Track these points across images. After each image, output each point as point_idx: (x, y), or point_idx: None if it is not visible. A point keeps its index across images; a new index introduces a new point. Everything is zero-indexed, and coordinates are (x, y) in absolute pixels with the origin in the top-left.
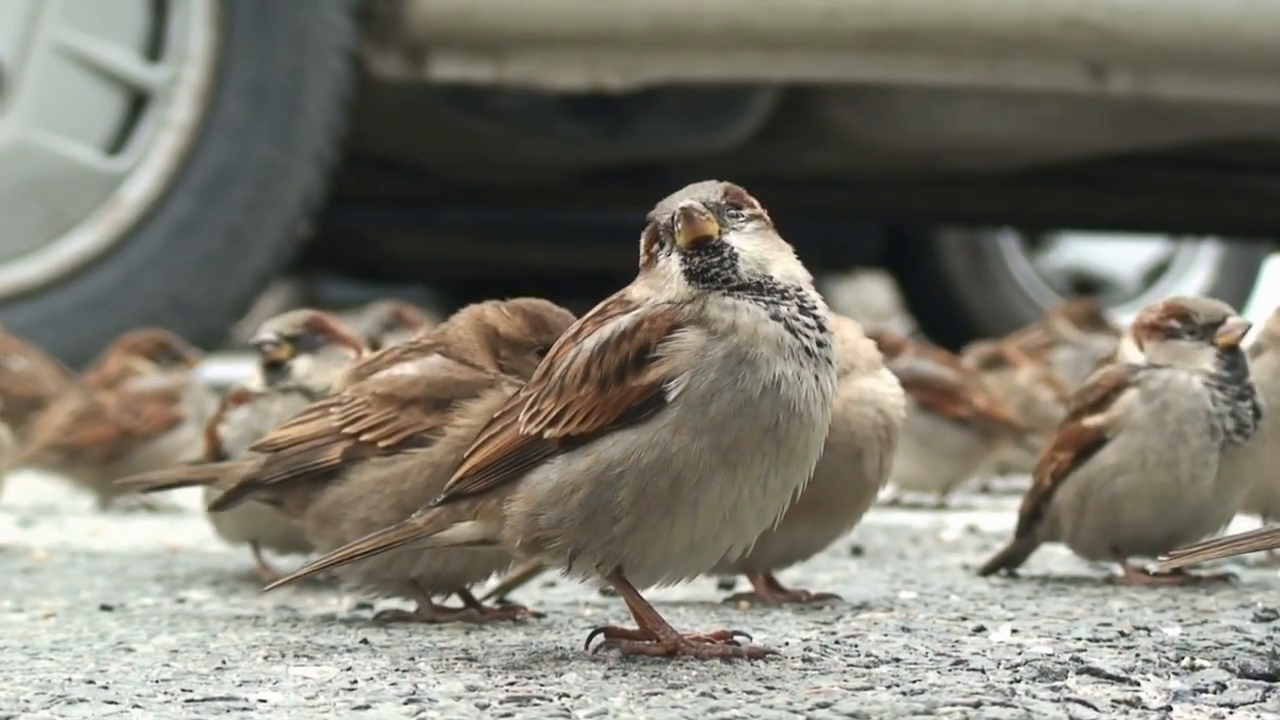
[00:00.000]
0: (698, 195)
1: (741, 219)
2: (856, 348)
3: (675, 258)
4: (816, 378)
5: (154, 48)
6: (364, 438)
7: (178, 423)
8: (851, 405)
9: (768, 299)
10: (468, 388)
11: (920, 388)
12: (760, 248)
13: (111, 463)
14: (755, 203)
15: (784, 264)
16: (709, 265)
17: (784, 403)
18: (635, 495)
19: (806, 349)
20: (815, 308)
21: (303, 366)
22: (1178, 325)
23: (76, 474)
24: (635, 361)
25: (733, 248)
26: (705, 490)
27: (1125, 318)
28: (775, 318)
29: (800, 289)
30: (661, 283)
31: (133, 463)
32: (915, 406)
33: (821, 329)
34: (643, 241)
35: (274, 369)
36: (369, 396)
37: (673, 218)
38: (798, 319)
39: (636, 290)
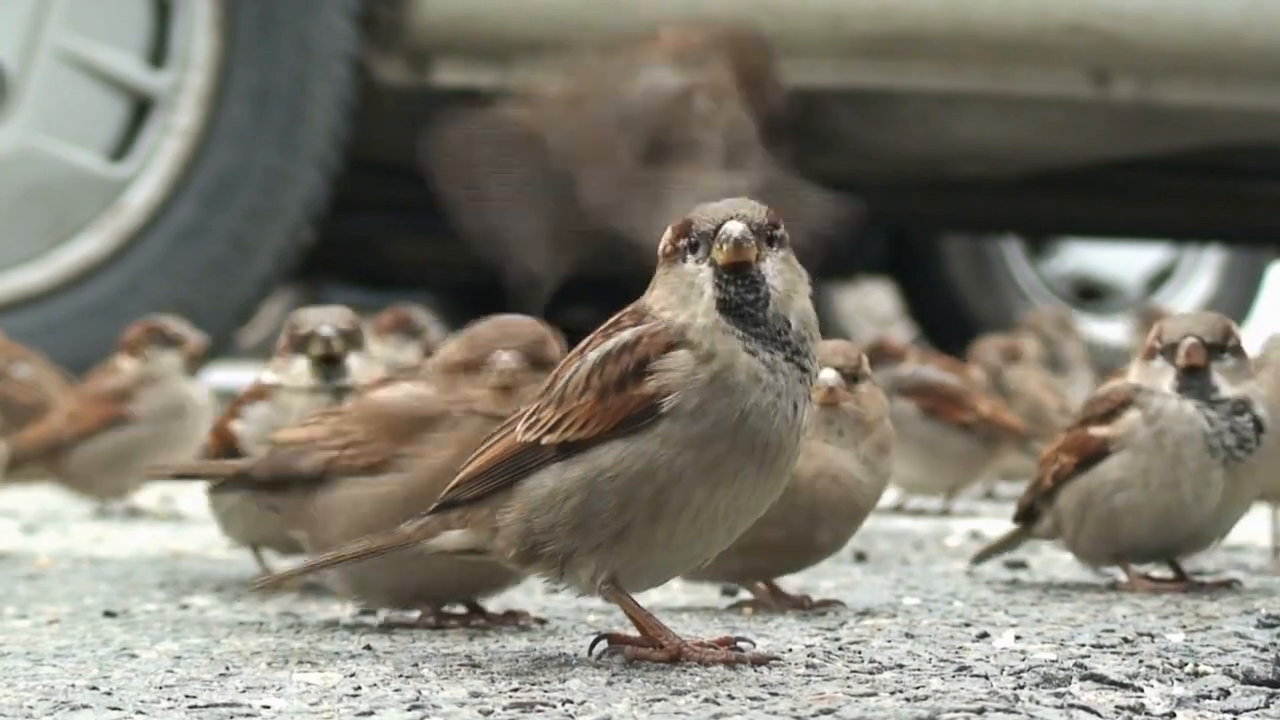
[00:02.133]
0: (744, 214)
1: (775, 243)
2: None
3: (709, 272)
4: (795, 405)
5: (157, 53)
6: (347, 452)
7: (121, 420)
8: (820, 479)
9: (760, 337)
10: (436, 421)
11: (924, 394)
12: (786, 282)
13: (53, 462)
14: (781, 221)
15: (800, 302)
16: (743, 302)
17: (757, 431)
18: (623, 502)
19: (786, 384)
20: (809, 352)
21: (356, 364)
22: (1157, 345)
23: (67, 479)
24: (635, 373)
25: (766, 287)
26: (687, 501)
27: (1128, 324)
28: (752, 353)
29: (804, 335)
30: (687, 291)
31: (72, 463)
32: (919, 413)
33: (805, 369)
34: (669, 233)
35: (330, 364)
36: (357, 412)
37: (716, 231)
38: (786, 360)
39: (652, 298)
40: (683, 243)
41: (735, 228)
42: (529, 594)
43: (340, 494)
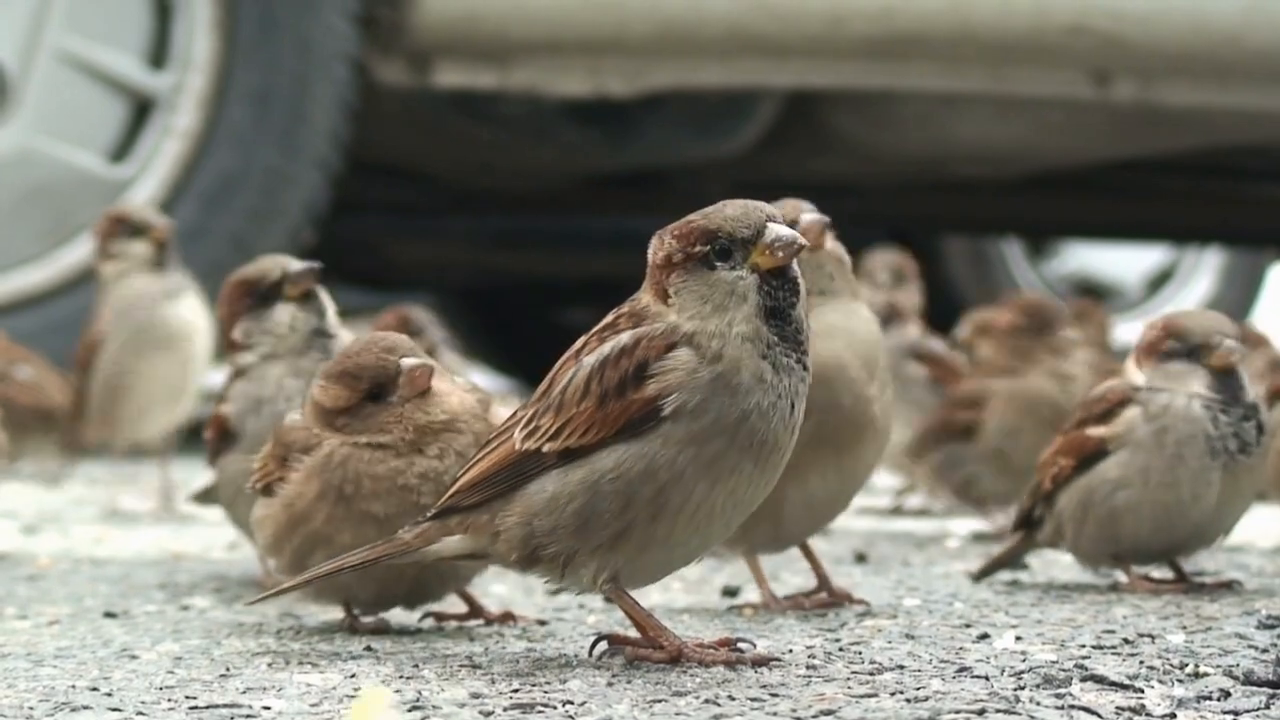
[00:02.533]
0: (777, 215)
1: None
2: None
3: (753, 279)
4: (793, 405)
5: (158, 55)
6: (259, 472)
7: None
8: (819, 339)
9: (786, 339)
10: (301, 444)
11: (931, 362)
12: (801, 279)
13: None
14: None
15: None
16: (785, 304)
17: (757, 430)
18: (624, 502)
19: (789, 384)
20: (805, 341)
21: (332, 314)
22: (1174, 345)
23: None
24: (634, 377)
25: (799, 283)
26: (687, 498)
27: (1128, 326)
28: (763, 356)
29: (801, 330)
30: (724, 298)
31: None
32: (925, 381)
33: (804, 365)
34: (675, 241)
35: (311, 301)
36: (273, 434)
37: (759, 235)
38: (790, 354)
39: (666, 306)
40: (703, 249)
41: (785, 231)
42: (529, 594)
43: (255, 512)
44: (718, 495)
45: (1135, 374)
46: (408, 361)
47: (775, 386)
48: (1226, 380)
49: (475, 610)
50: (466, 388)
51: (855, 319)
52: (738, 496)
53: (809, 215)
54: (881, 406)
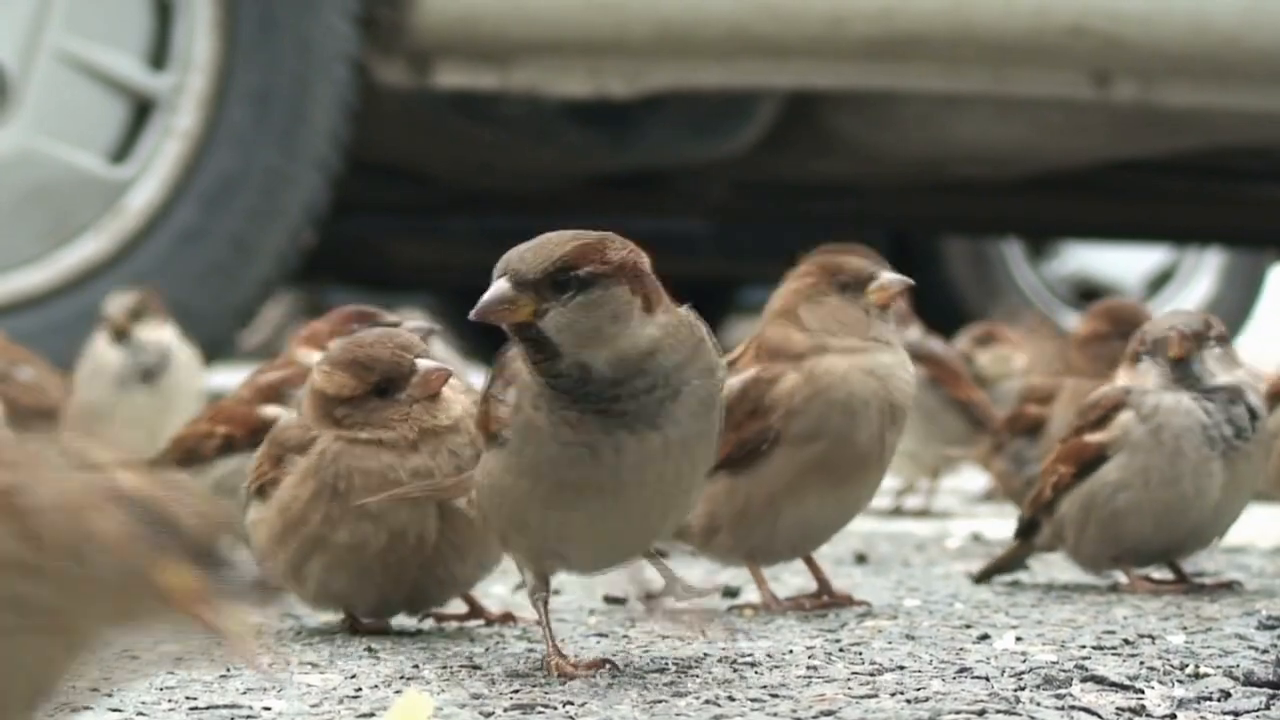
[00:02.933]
0: (515, 267)
1: (566, 288)
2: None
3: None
4: (598, 450)
5: (158, 55)
6: (255, 472)
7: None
8: (854, 371)
9: (564, 391)
10: (296, 443)
11: (930, 362)
12: (579, 331)
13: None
14: (614, 259)
15: (604, 346)
16: (535, 360)
17: (560, 473)
18: (490, 506)
19: (595, 432)
20: (634, 393)
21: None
22: (1141, 349)
23: None
24: (486, 396)
25: (552, 343)
26: (525, 522)
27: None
28: (563, 404)
29: (617, 379)
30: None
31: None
32: (925, 380)
33: (625, 412)
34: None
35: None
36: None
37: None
38: (593, 412)
39: None
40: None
41: (488, 294)
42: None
43: (249, 515)
44: (553, 524)
45: (1121, 379)
46: (424, 363)
47: (580, 433)
48: (1184, 369)
49: (476, 611)
50: (462, 389)
51: (901, 368)
52: (598, 522)
53: (889, 274)
54: (890, 449)
